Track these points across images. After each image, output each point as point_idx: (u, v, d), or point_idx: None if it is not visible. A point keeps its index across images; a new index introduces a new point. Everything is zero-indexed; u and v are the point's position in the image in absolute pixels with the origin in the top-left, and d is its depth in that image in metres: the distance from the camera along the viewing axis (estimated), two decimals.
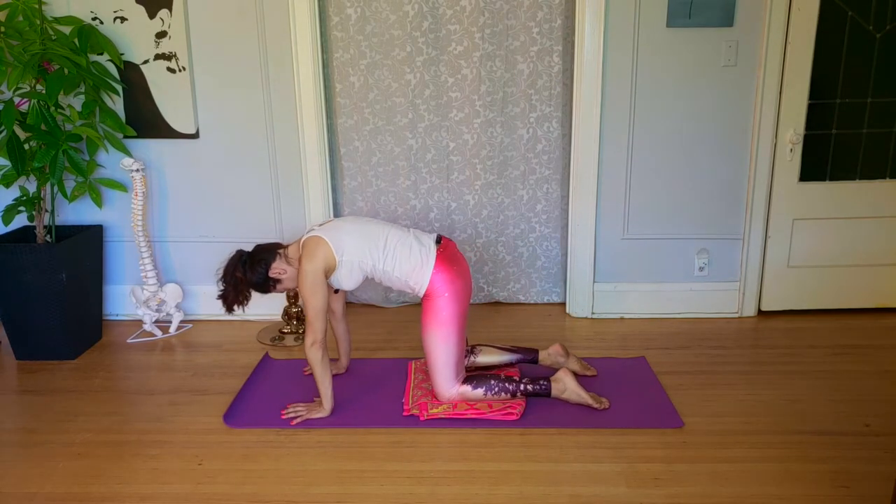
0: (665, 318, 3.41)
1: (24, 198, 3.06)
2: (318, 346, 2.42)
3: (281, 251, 2.55)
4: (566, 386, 2.53)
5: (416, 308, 3.57)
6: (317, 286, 2.42)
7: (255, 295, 2.61)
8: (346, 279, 2.51)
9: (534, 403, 2.54)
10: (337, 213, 3.51)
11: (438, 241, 2.57)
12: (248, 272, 2.50)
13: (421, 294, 2.51)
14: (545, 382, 2.53)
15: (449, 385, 2.50)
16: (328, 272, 2.47)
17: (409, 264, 2.48)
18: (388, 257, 2.49)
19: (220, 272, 2.55)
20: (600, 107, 3.18)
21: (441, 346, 2.48)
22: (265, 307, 3.44)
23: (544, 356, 2.80)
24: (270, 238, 3.40)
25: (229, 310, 2.54)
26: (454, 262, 2.54)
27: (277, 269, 2.51)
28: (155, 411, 2.60)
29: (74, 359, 3.08)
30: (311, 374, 2.82)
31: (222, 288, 2.53)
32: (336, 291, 2.65)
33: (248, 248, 2.59)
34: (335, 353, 2.86)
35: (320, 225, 2.57)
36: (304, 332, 3.26)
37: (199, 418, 2.54)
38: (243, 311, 2.57)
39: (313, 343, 2.42)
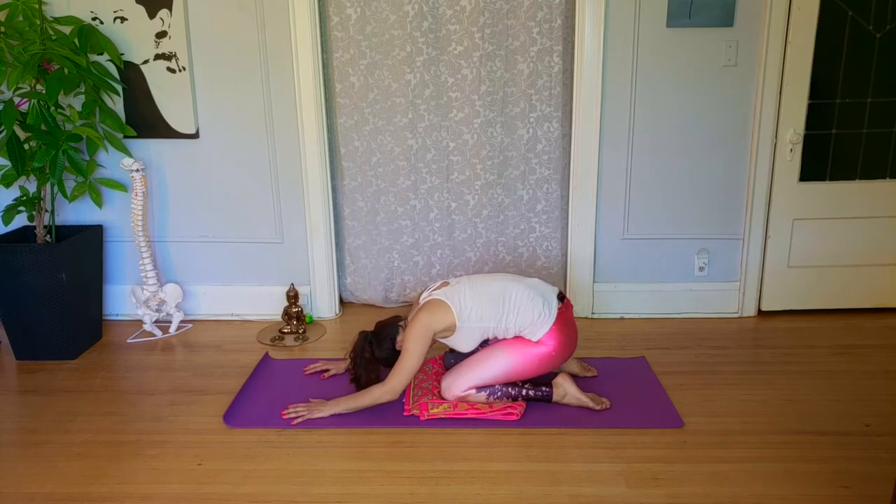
0: (665, 318, 3.41)
1: (24, 198, 3.06)
2: (390, 396, 2.43)
3: (402, 323, 2.58)
4: (566, 391, 2.53)
5: None
6: (422, 339, 2.42)
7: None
8: (465, 342, 2.53)
9: (534, 404, 2.54)
10: (337, 213, 3.51)
11: (561, 297, 2.59)
12: (376, 350, 2.54)
13: (531, 339, 2.50)
14: (546, 388, 2.54)
15: (462, 387, 2.50)
16: (445, 331, 2.48)
17: (529, 319, 2.48)
18: (511, 314, 2.48)
19: (350, 356, 2.58)
20: (600, 107, 3.18)
21: (500, 367, 2.49)
22: (265, 307, 3.44)
23: None
24: (270, 238, 3.40)
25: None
26: (569, 328, 2.55)
27: (402, 340, 2.52)
28: (155, 411, 2.60)
29: (74, 359, 3.08)
30: (313, 374, 2.83)
31: (353, 370, 2.56)
32: (451, 351, 2.68)
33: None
34: (342, 354, 2.86)
35: (435, 289, 2.57)
36: (304, 331, 3.26)
37: (199, 418, 2.54)
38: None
39: (389, 390, 2.42)
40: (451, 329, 2.48)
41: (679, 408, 2.53)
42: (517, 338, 2.52)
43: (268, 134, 3.29)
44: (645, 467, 2.19)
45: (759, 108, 3.15)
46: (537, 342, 2.49)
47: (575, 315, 3.42)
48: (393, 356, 2.53)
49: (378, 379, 2.53)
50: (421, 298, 2.60)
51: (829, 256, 3.34)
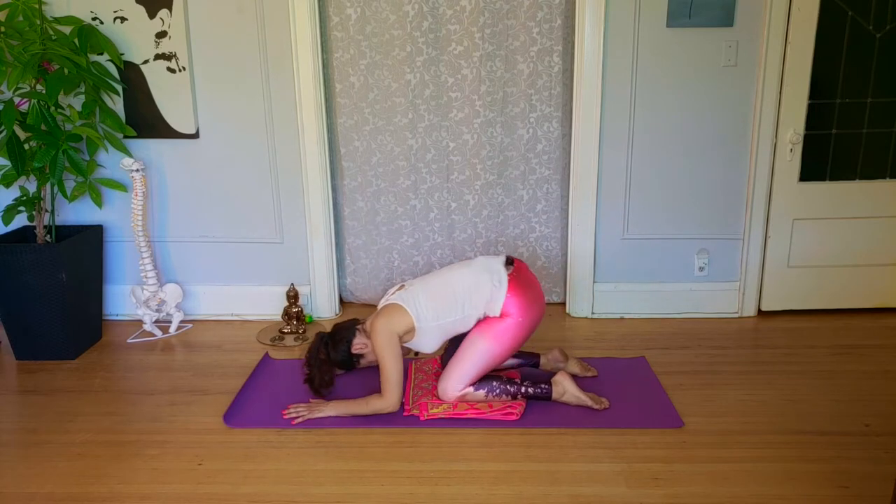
0: (665, 318, 3.41)
1: (24, 198, 3.06)
2: (388, 409, 2.44)
3: (360, 326, 2.57)
4: (565, 389, 2.53)
5: None
6: (391, 344, 2.42)
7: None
8: (427, 343, 2.52)
9: (534, 403, 2.54)
10: (337, 213, 3.51)
11: (509, 262, 2.58)
12: (331, 352, 2.53)
13: (495, 315, 2.50)
14: (546, 386, 2.54)
15: (457, 387, 2.50)
16: (406, 335, 2.48)
17: (483, 299, 2.48)
18: (466, 303, 2.49)
19: (305, 357, 2.57)
20: (600, 107, 3.18)
21: (481, 356, 2.48)
22: (265, 307, 3.44)
23: (544, 361, 2.80)
24: (270, 238, 3.40)
25: (317, 393, 2.56)
26: (528, 287, 2.54)
27: (359, 344, 2.53)
28: (155, 411, 2.60)
29: (74, 359, 3.08)
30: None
31: (307, 372, 2.55)
32: (416, 354, 2.65)
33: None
34: None
35: (393, 293, 2.58)
36: (304, 331, 3.26)
37: (199, 418, 2.54)
38: (329, 392, 2.56)
39: (385, 406, 2.43)
40: (411, 331, 2.48)
41: (679, 408, 2.53)
42: (484, 320, 2.51)
43: (268, 134, 3.29)
44: (645, 467, 2.19)
45: (759, 108, 3.15)
46: (501, 316, 2.48)
47: (575, 315, 3.45)
48: (348, 359, 2.54)
49: (332, 382, 2.53)
50: (379, 304, 2.59)
51: (829, 256, 3.34)
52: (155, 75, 3.20)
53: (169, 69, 3.19)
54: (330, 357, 2.54)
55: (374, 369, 2.86)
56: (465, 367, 2.49)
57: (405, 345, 2.53)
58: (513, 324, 2.48)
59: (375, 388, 2.59)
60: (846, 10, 3.05)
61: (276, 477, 2.18)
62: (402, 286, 2.60)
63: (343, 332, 2.56)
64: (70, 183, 3.14)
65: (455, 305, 2.49)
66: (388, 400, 2.43)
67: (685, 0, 3.04)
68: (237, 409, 2.59)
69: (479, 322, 2.52)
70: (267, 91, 3.23)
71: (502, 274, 2.51)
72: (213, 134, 3.29)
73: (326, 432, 2.42)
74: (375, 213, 3.49)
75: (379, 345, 2.43)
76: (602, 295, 3.43)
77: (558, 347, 2.81)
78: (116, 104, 3.23)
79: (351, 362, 2.56)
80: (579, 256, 3.38)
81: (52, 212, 3.19)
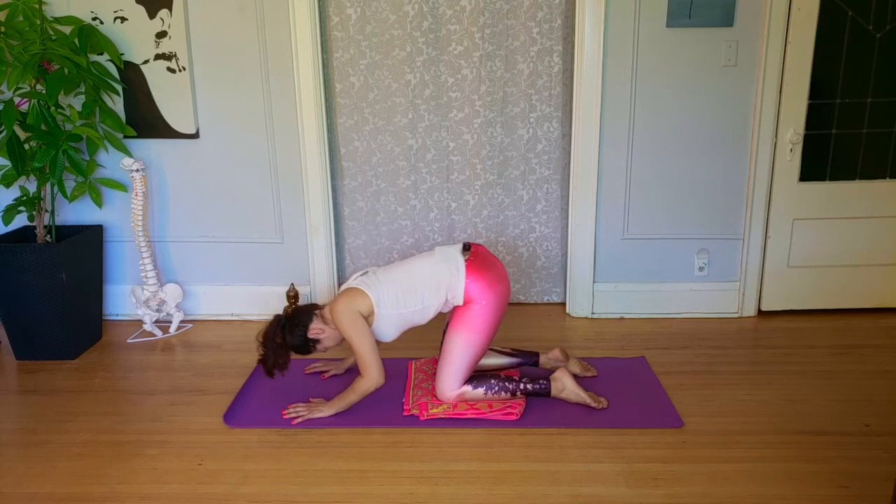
0: (665, 318, 3.41)
1: (24, 198, 3.06)
2: (373, 388, 2.43)
3: (318, 311, 2.55)
4: (564, 385, 2.53)
5: None
6: (356, 321, 2.41)
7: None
8: (387, 330, 2.51)
9: (533, 403, 2.54)
10: (337, 213, 3.51)
11: (467, 248, 2.58)
12: (287, 336, 2.50)
13: (460, 304, 2.51)
14: (544, 382, 2.54)
15: (453, 386, 2.50)
16: (367, 320, 2.46)
17: (443, 287, 2.48)
18: (426, 294, 2.48)
19: (260, 337, 2.54)
20: (600, 107, 3.18)
21: (463, 350, 2.48)
22: (265, 307, 3.44)
23: (545, 360, 2.80)
24: (270, 238, 3.40)
25: (269, 375, 2.53)
26: (488, 268, 2.53)
27: (315, 329, 2.50)
28: (155, 411, 2.60)
29: (74, 359, 3.08)
30: (313, 373, 2.83)
31: (262, 353, 2.52)
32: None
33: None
34: (342, 353, 2.85)
35: (356, 278, 2.57)
36: None
37: (199, 418, 2.54)
38: (283, 375, 2.54)
39: (369, 387, 2.43)
40: (371, 316, 2.46)
41: (679, 408, 2.53)
42: (454, 315, 2.51)
43: (268, 134, 3.29)
44: (645, 467, 2.19)
45: (759, 108, 3.15)
46: (467, 304, 2.48)
47: (575, 315, 3.45)
48: (304, 344, 2.50)
49: (286, 366, 2.50)
50: (340, 287, 2.56)
51: (829, 256, 3.34)
52: (155, 75, 3.20)
53: (169, 69, 3.19)
54: (286, 341, 2.50)
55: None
56: (453, 364, 2.49)
57: None
58: (480, 309, 2.47)
59: None
60: (846, 10, 3.05)
61: (276, 477, 2.18)
62: (366, 272, 2.59)
63: (300, 316, 2.53)
64: (70, 183, 3.14)
65: (415, 295, 2.48)
66: (368, 377, 2.42)
67: (685, 0, 3.04)
68: (237, 409, 2.59)
69: (451, 317, 2.52)
70: (267, 91, 3.23)
71: (459, 261, 2.51)
72: (213, 134, 3.29)
73: (326, 432, 2.42)
74: (375, 213, 3.49)
75: (343, 325, 2.42)
76: (602, 295, 3.43)
77: (559, 347, 2.81)
78: (116, 104, 3.23)
79: (307, 347, 2.52)
80: (579, 256, 3.38)
81: (52, 212, 3.19)
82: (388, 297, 2.47)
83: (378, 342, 2.51)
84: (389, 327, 2.51)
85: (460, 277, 2.47)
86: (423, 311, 2.51)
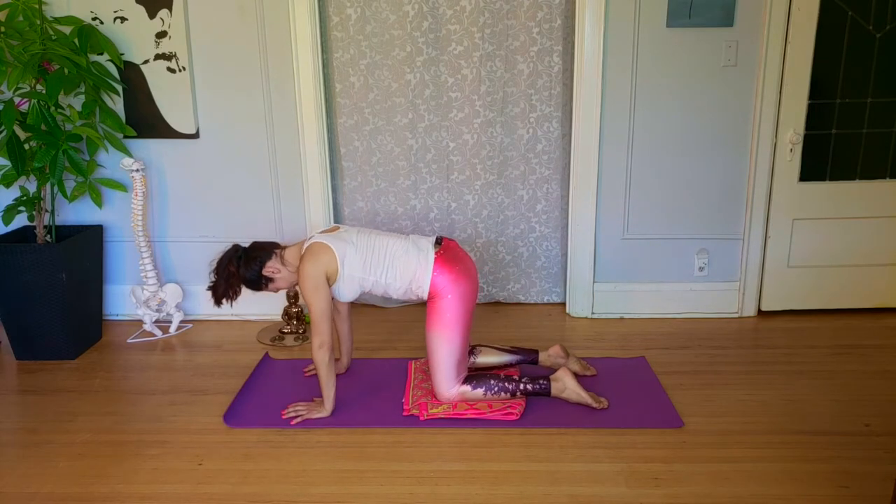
0: (665, 318, 3.41)
1: (24, 198, 3.06)
2: (326, 348, 2.42)
3: (278, 251, 2.55)
4: (565, 385, 2.53)
5: (416, 308, 3.57)
6: (319, 288, 2.41)
7: (256, 295, 2.61)
8: (346, 291, 2.51)
9: (533, 403, 2.54)
10: (337, 213, 3.51)
11: (439, 242, 2.57)
12: (241, 267, 2.50)
13: (425, 297, 2.51)
14: (544, 382, 2.54)
15: (449, 385, 2.50)
16: (330, 278, 2.46)
17: (408, 273, 2.48)
18: (389, 270, 2.48)
19: (213, 264, 2.54)
20: (600, 107, 3.18)
21: (444, 347, 2.48)
22: (265, 307, 3.44)
23: (544, 357, 2.80)
24: (270, 237, 3.40)
25: (217, 303, 2.52)
26: (456, 262, 2.52)
27: (272, 268, 2.51)
28: (155, 411, 2.60)
29: (74, 359, 3.08)
30: (313, 375, 2.82)
31: (213, 280, 2.51)
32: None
33: (248, 245, 2.59)
34: (337, 352, 2.86)
35: (323, 232, 2.56)
36: (304, 331, 3.27)
37: (199, 418, 2.54)
38: (231, 306, 2.54)
39: (321, 346, 2.41)
40: (333, 275, 2.45)
41: (679, 408, 2.53)
42: (427, 315, 2.51)
43: (268, 134, 3.29)
44: (645, 467, 2.19)
45: (759, 108, 3.15)
46: (433, 299, 2.48)
47: (575, 315, 3.45)
48: (257, 279, 2.50)
49: (236, 296, 2.50)
50: (307, 239, 2.54)
51: (828, 256, 3.34)
52: (155, 75, 3.20)
53: (169, 69, 3.19)
54: (239, 272, 2.50)
55: (373, 372, 2.86)
56: (440, 363, 2.49)
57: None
58: (447, 303, 2.47)
59: (370, 390, 2.59)
60: (846, 10, 3.05)
61: (276, 477, 2.18)
62: (337, 228, 2.58)
63: (259, 251, 2.52)
64: (70, 183, 3.14)
65: (380, 266, 2.48)
66: (317, 338, 2.40)
67: (685, 0, 3.04)
68: (237, 409, 2.59)
69: (426, 318, 2.52)
70: (267, 91, 3.23)
71: (430, 252, 2.50)
72: (213, 134, 3.29)
73: (326, 432, 2.42)
74: (375, 213, 3.49)
75: (305, 289, 2.41)
76: (602, 295, 3.43)
77: (559, 344, 2.81)
78: (116, 104, 3.23)
79: (259, 283, 2.51)
80: (579, 256, 3.38)
81: (52, 212, 3.19)
82: (355, 261, 2.46)
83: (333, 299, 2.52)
84: (349, 289, 2.50)
85: (428, 269, 2.47)
86: (384, 287, 2.50)
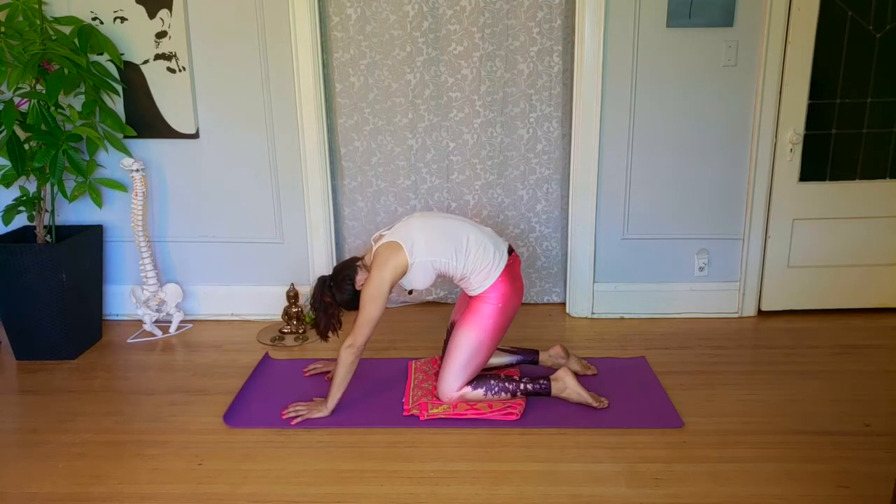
0: (665, 318, 3.41)
1: (24, 198, 3.06)
2: (355, 350, 2.42)
3: (359, 263, 2.56)
4: (566, 385, 2.53)
5: (417, 309, 3.57)
6: (378, 298, 2.40)
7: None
8: (420, 279, 2.49)
9: (534, 403, 2.54)
10: (337, 213, 3.51)
11: (510, 251, 2.59)
12: (336, 294, 2.52)
13: (473, 293, 2.51)
14: (545, 381, 2.54)
15: (455, 385, 2.50)
16: (397, 279, 2.45)
17: (480, 265, 2.48)
18: (462, 254, 2.47)
19: (310, 302, 2.56)
20: (600, 107, 3.18)
21: (471, 347, 2.48)
22: (265, 307, 3.44)
23: (545, 357, 2.80)
24: (270, 238, 3.40)
25: (324, 337, 2.55)
26: (515, 279, 2.55)
27: (362, 280, 2.50)
28: (155, 411, 2.60)
29: (74, 359, 3.08)
30: (313, 375, 2.82)
31: (314, 317, 2.53)
32: (410, 293, 2.62)
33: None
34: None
35: (389, 228, 2.55)
36: (304, 332, 3.26)
37: (199, 418, 2.54)
38: (337, 336, 2.55)
39: (351, 345, 2.41)
40: (405, 272, 2.44)
41: (679, 408, 2.53)
42: (465, 312, 2.51)
43: (268, 134, 3.29)
44: (645, 467, 2.19)
45: (759, 108, 3.15)
46: (480, 299, 2.48)
47: (575, 315, 3.45)
48: (354, 298, 2.51)
49: (340, 323, 2.53)
50: (374, 241, 2.54)
51: (828, 256, 3.34)
52: (155, 75, 3.20)
53: (169, 69, 3.19)
54: (336, 298, 2.52)
55: (373, 372, 2.86)
56: (458, 361, 2.49)
57: (399, 282, 2.50)
58: (493, 310, 2.48)
59: (370, 390, 2.58)
60: (846, 10, 3.05)
61: (276, 477, 2.18)
62: (399, 222, 2.56)
63: (344, 270, 2.54)
64: (70, 183, 3.14)
65: (453, 250, 2.46)
66: (352, 338, 2.40)
67: (685, 0, 3.04)
68: (237, 409, 2.59)
69: (462, 314, 2.53)
70: (267, 91, 3.23)
71: (504, 253, 2.53)
72: (213, 134, 3.29)
73: (326, 432, 2.42)
74: (375, 213, 3.49)
75: (367, 294, 2.41)
76: (602, 295, 3.43)
77: (560, 344, 2.81)
78: (116, 104, 3.23)
79: (356, 300, 2.50)
80: (579, 256, 3.38)
81: (52, 212, 3.19)
82: (424, 245, 2.44)
83: (411, 292, 2.54)
84: (424, 275, 2.48)
85: (499, 269, 2.48)
86: (456, 270, 2.47)
